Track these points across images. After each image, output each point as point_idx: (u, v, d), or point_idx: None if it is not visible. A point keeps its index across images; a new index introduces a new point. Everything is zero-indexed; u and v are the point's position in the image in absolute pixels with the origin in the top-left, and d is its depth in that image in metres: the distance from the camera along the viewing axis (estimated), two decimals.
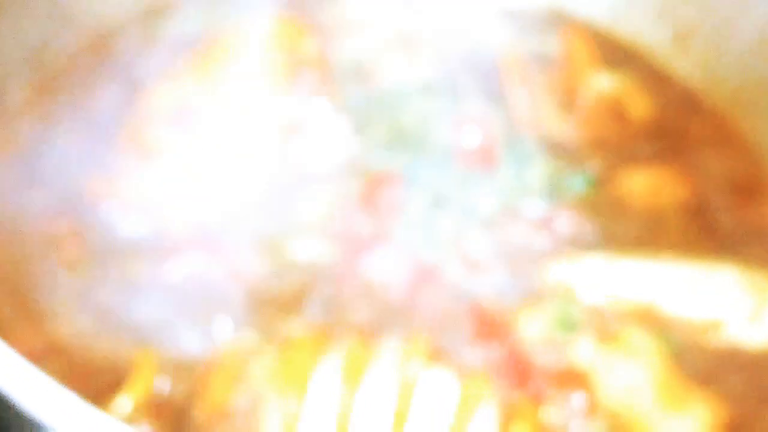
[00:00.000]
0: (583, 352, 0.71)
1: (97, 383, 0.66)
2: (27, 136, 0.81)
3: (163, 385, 0.67)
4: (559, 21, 0.96)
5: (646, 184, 0.82)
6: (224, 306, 0.71)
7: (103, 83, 0.84)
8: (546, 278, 0.75)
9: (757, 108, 0.88)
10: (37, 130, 0.82)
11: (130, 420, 0.65)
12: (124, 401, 0.66)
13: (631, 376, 0.70)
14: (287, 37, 0.88)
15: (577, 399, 0.68)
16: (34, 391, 0.49)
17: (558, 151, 0.83)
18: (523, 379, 0.69)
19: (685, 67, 0.92)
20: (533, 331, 0.72)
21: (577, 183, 0.81)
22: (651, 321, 0.74)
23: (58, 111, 0.83)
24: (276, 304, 0.72)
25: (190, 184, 0.77)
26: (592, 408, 0.68)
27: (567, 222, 0.78)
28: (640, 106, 0.89)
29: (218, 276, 0.73)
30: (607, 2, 0.95)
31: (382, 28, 0.93)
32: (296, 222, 0.77)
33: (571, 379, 0.69)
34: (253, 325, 0.71)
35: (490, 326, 0.71)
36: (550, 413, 0.68)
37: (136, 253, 0.75)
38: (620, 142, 0.86)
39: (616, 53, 0.93)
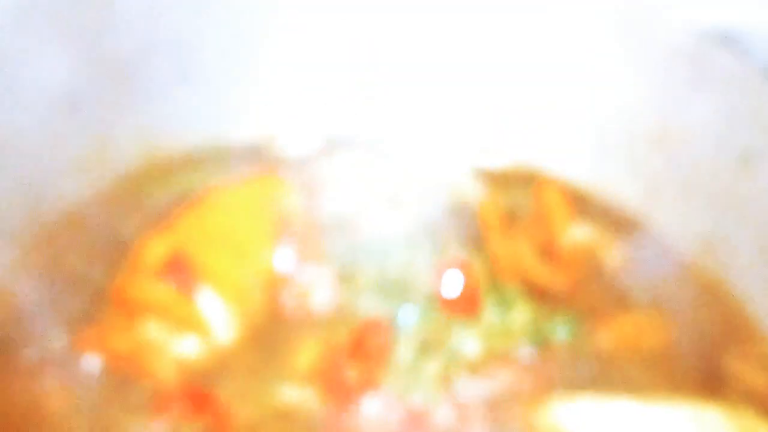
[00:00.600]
0: None
1: None
2: (16, 294, 0.83)
3: None
4: (532, 176, 1.00)
5: (626, 329, 0.84)
6: None
7: (91, 242, 0.87)
8: (534, 421, 0.76)
9: (727, 256, 0.91)
10: (26, 288, 0.83)
11: None
12: None
13: None
14: (271, 193, 0.92)
15: None
16: None
17: (539, 297, 0.86)
18: None
19: (656, 217, 0.96)
20: None
21: (560, 328, 0.83)
22: None
23: (47, 269, 0.85)
24: None
25: (180, 333, 0.78)
26: None
27: (552, 366, 0.80)
28: (613, 255, 0.93)
29: (207, 424, 0.73)
30: (578, 158, 1.00)
31: (363, 183, 0.96)
32: (285, 370, 0.78)
33: None
34: None
35: None
36: None
37: (125, 407, 0.75)
38: (597, 290, 0.89)
39: (588, 205, 0.97)
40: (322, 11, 1.01)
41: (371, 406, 0.76)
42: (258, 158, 1.00)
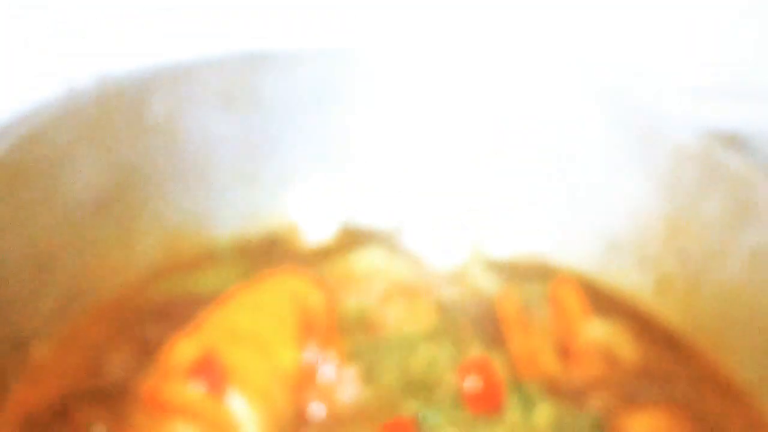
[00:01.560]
0: None
1: None
2: (47, 393, 0.84)
3: None
4: (545, 270, 1.03)
5: (645, 425, 0.86)
6: None
7: (122, 341, 0.88)
8: None
9: (739, 349, 0.94)
10: (57, 387, 0.84)
11: None
12: None
13: None
14: (296, 290, 0.93)
15: None
16: None
17: (559, 393, 0.88)
18: None
19: (667, 311, 0.98)
20: None
21: (582, 424, 0.85)
22: None
23: (77, 368, 0.87)
24: None
25: None
26: None
27: None
28: (628, 350, 0.95)
29: None
30: (589, 252, 1.03)
31: (382, 280, 0.99)
32: None
33: None
34: None
35: None
36: None
37: None
38: (616, 385, 0.90)
39: (601, 300, 1.00)
40: (336, 105, 1.05)
41: None
42: (276, 252, 1.03)
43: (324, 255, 1.02)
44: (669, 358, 0.94)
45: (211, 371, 0.80)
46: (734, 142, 0.96)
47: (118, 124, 0.93)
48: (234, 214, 1.04)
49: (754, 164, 0.92)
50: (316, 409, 0.85)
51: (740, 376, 0.92)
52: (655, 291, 0.99)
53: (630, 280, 1.01)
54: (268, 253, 1.02)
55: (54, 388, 0.85)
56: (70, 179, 0.90)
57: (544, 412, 0.85)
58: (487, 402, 0.85)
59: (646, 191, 0.99)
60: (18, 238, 0.85)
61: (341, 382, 0.86)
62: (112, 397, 0.83)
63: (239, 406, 0.80)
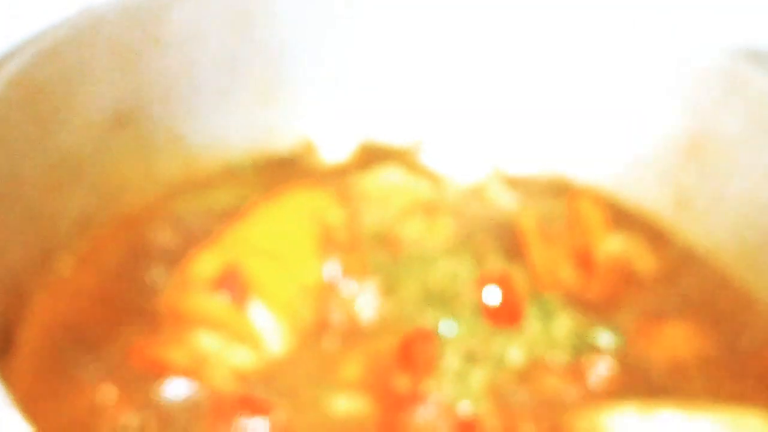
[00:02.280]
0: None
1: None
2: (71, 306, 0.85)
3: None
4: (565, 186, 1.03)
5: (667, 338, 0.87)
6: None
7: (143, 255, 0.89)
8: (579, 427, 0.78)
9: (756, 263, 0.94)
10: (81, 300, 0.85)
11: None
12: None
13: None
14: (314, 206, 0.94)
15: None
16: None
17: (580, 307, 0.88)
18: None
19: (686, 227, 0.98)
20: None
21: (603, 337, 0.86)
22: None
23: (101, 281, 0.87)
24: None
25: (234, 344, 0.80)
26: None
27: (596, 373, 0.82)
28: (647, 264, 0.95)
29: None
30: (609, 169, 1.03)
31: (401, 197, 0.99)
32: (335, 379, 0.80)
33: None
34: None
35: None
36: None
37: (182, 418, 0.77)
38: (636, 298, 0.91)
39: (620, 215, 1.00)
40: (354, 21, 1.04)
41: (421, 414, 0.78)
42: (296, 169, 1.03)
43: (343, 172, 1.02)
44: (687, 271, 0.94)
45: (234, 283, 0.81)
46: (758, 58, 0.95)
47: (136, 41, 0.93)
48: (252, 133, 1.04)
49: None
50: (338, 320, 0.85)
51: (757, 289, 0.92)
52: (675, 207, 0.99)
53: (650, 195, 1.00)
54: (287, 171, 1.02)
55: (77, 302, 0.85)
56: (88, 95, 0.90)
57: (564, 324, 0.86)
58: (507, 314, 0.86)
59: (667, 108, 0.98)
60: (39, 153, 0.85)
61: (362, 295, 0.87)
62: (135, 311, 0.84)
63: (262, 315, 0.81)
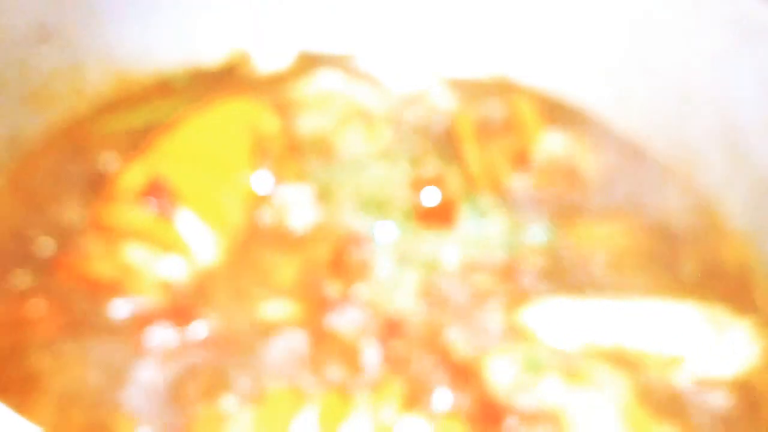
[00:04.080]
0: (551, 392, 0.73)
1: None
2: (5, 223, 0.84)
3: None
4: (505, 87, 1.01)
5: (603, 233, 0.86)
6: (202, 371, 0.73)
7: (66, 170, 0.88)
8: (512, 324, 0.78)
9: (699, 155, 0.93)
10: (11, 218, 0.84)
11: None
12: None
13: (599, 412, 0.72)
14: (247, 114, 0.92)
15: None
16: None
17: (515, 206, 0.87)
18: (496, 421, 0.71)
19: (628, 122, 0.97)
20: (503, 374, 0.74)
21: (535, 234, 0.85)
22: (616, 359, 0.77)
23: (26, 197, 0.86)
24: (251, 364, 0.74)
25: (162, 255, 0.80)
26: None
27: (528, 270, 0.82)
28: (589, 162, 0.94)
29: (192, 341, 0.75)
30: (550, 69, 1.01)
31: (338, 103, 0.97)
32: (268, 286, 0.80)
33: (542, 418, 0.71)
34: (228, 387, 0.72)
35: (461, 372, 0.73)
36: None
37: (110, 329, 0.76)
38: (574, 197, 0.90)
39: (562, 114, 0.98)
40: None
41: (349, 316, 0.77)
42: (231, 80, 1.01)
43: (279, 80, 1.00)
44: (629, 168, 0.93)
45: (160, 193, 0.80)
46: None
47: None
48: (186, 45, 1.01)
49: None
50: (271, 228, 0.84)
51: (703, 182, 0.91)
52: (616, 102, 0.97)
53: (591, 93, 0.99)
54: (222, 82, 1.00)
55: (9, 218, 0.84)
56: (10, 10, 0.87)
57: (498, 224, 0.85)
58: (441, 216, 0.85)
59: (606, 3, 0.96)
60: None
61: (296, 203, 0.86)
62: (63, 226, 0.83)
63: (190, 225, 0.80)
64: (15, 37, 0.88)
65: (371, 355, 0.75)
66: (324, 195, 0.87)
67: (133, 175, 0.82)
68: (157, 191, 0.80)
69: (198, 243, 0.80)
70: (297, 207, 0.86)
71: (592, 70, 0.99)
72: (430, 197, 0.87)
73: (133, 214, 0.80)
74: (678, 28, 0.90)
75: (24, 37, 0.89)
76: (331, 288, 0.79)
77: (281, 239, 0.84)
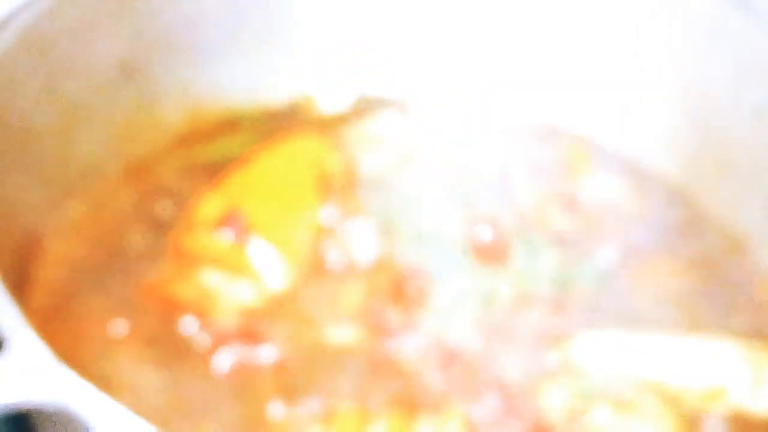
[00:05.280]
0: (600, 420, 0.77)
1: None
2: (82, 248, 0.90)
3: None
4: (553, 134, 1.07)
5: (649, 271, 0.91)
6: (270, 388, 0.78)
7: (151, 200, 0.94)
8: (563, 356, 0.83)
9: (739, 201, 0.98)
10: (94, 242, 0.90)
11: None
12: None
13: None
14: (316, 153, 0.98)
15: None
16: None
17: (565, 245, 0.93)
18: None
19: (672, 169, 1.02)
20: (554, 403, 0.79)
21: (586, 273, 0.90)
22: (661, 392, 0.81)
23: (107, 227, 0.92)
24: (316, 384, 0.79)
25: (235, 281, 0.85)
26: None
27: (579, 306, 0.87)
28: (634, 205, 0.99)
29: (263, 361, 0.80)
30: (596, 114, 1.06)
31: (397, 144, 1.03)
32: (333, 313, 0.85)
33: None
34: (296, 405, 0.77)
35: (515, 400, 0.78)
36: None
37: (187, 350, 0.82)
38: (620, 238, 0.95)
39: (603, 157, 1.04)
40: None
41: (410, 343, 0.83)
42: (296, 119, 1.07)
43: (340, 121, 1.06)
44: (672, 212, 0.98)
45: (236, 223, 0.86)
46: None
47: None
48: (254, 86, 1.07)
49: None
50: (335, 260, 0.90)
51: (740, 227, 0.96)
52: (663, 150, 1.02)
53: (636, 139, 1.04)
54: (287, 120, 1.06)
55: (87, 246, 0.90)
56: (94, 47, 0.94)
57: (550, 261, 0.90)
58: (495, 252, 0.90)
59: (654, 50, 1.01)
60: (49, 105, 0.89)
61: (360, 235, 0.92)
62: (144, 252, 0.88)
63: (262, 253, 0.86)
64: (98, 73, 0.95)
65: (432, 379, 0.80)
66: (385, 229, 0.92)
67: (210, 206, 0.88)
68: (232, 221, 0.86)
69: (269, 270, 0.86)
70: (360, 239, 0.91)
71: (636, 116, 1.05)
72: (484, 234, 0.92)
73: (211, 241, 0.86)
74: (723, 83, 0.96)
75: (106, 73, 0.96)
76: (393, 316, 0.85)
77: (346, 269, 0.89)
